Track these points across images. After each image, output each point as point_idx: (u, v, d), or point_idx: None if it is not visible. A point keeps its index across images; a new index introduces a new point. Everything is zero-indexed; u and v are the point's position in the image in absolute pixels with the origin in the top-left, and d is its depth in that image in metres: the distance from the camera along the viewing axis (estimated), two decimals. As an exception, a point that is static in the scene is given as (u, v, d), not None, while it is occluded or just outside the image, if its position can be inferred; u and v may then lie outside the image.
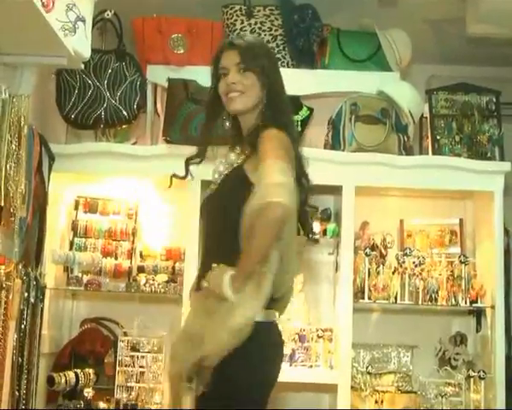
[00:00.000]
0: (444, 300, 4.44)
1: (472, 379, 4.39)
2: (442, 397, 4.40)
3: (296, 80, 4.40)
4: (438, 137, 4.57)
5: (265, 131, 2.64)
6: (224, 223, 2.66)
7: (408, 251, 4.45)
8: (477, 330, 4.67)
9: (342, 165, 4.34)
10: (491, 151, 4.50)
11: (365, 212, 4.53)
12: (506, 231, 4.59)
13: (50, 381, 4.21)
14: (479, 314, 4.60)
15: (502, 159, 4.50)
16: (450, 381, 4.48)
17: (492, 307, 4.34)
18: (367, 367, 4.54)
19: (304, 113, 4.59)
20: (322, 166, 4.24)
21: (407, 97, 4.48)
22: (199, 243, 4.01)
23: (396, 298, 4.42)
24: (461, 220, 4.74)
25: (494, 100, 4.65)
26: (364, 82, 4.57)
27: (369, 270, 4.41)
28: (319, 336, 4.41)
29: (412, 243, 4.74)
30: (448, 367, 4.55)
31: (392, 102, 4.46)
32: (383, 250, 4.59)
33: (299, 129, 4.51)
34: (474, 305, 4.44)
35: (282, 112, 2.85)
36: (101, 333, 4.65)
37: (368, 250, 4.40)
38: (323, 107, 4.66)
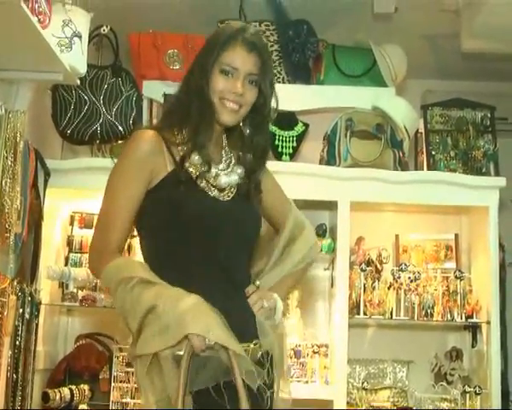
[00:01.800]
0: (439, 315, 4.44)
1: (468, 395, 4.35)
2: (438, 413, 4.39)
3: (291, 96, 4.48)
4: (433, 153, 4.61)
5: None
6: (256, 233, 2.54)
7: (403, 266, 4.45)
8: (473, 346, 4.64)
9: (337, 180, 4.35)
10: (486, 166, 4.53)
11: (360, 227, 4.54)
12: (501, 246, 4.57)
13: (45, 397, 4.14)
14: (474, 329, 4.57)
15: (497, 174, 4.52)
16: (446, 396, 4.48)
17: (488, 322, 4.34)
18: (362, 383, 4.56)
19: (299, 128, 4.63)
20: (318, 181, 4.33)
21: (402, 113, 4.51)
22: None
23: (391, 314, 4.43)
24: (456, 236, 4.75)
25: (489, 115, 4.70)
26: (360, 97, 4.60)
27: (364, 285, 4.41)
28: (315, 352, 4.43)
29: (408, 258, 4.74)
30: (444, 383, 4.54)
31: (387, 118, 4.49)
32: (379, 265, 4.61)
33: (295, 144, 4.55)
34: (469, 320, 4.43)
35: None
36: (97, 349, 4.61)
37: (363, 266, 4.43)
38: (319, 122, 4.66)
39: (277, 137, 4.57)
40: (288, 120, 4.63)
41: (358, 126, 4.49)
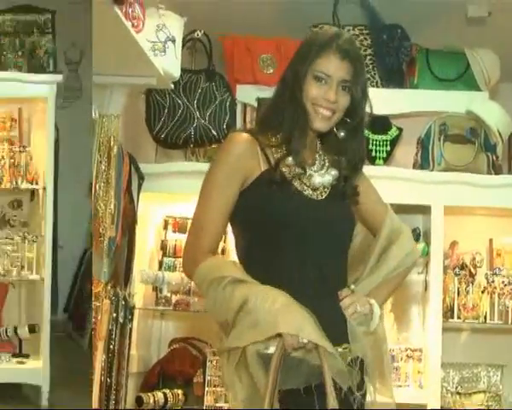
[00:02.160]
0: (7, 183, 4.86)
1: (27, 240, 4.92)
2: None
3: (385, 100, 4.50)
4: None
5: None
6: (350, 233, 2.56)
7: (497, 271, 4.47)
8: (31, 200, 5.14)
9: (431, 184, 4.37)
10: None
11: (454, 231, 4.55)
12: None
13: (139, 401, 4.22)
14: None
15: None
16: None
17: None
18: (456, 387, 4.58)
19: (393, 132, 4.66)
20: (412, 185, 4.39)
21: (496, 117, 4.53)
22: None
23: (485, 318, 4.42)
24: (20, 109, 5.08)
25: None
26: (453, 101, 4.65)
27: (458, 289, 4.42)
28: (408, 356, 4.46)
29: (502, 262, 4.72)
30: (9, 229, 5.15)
31: (481, 122, 4.50)
32: (472, 269, 4.60)
33: (389, 149, 4.61)
34: None
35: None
36: (190, 353, 4.65)
37: (457, 270, 4.43)
38: (412, 126, 4.70)
39: (371, 141, 4.62)
40: (381, 124, 4.67)
41: (452, 130, 4.54)
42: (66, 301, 6.71)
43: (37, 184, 4.96)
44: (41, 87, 4.88)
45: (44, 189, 4.91)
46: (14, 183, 4.92)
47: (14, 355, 5.05)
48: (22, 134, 5.17)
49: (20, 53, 5.17)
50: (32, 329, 4.96)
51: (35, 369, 4.96)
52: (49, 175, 4.90)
